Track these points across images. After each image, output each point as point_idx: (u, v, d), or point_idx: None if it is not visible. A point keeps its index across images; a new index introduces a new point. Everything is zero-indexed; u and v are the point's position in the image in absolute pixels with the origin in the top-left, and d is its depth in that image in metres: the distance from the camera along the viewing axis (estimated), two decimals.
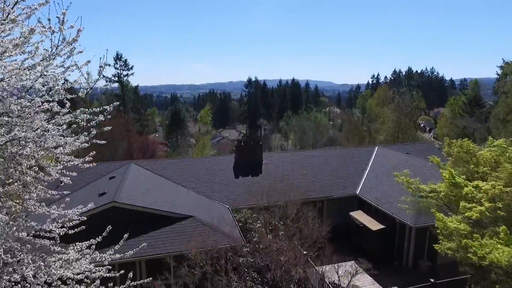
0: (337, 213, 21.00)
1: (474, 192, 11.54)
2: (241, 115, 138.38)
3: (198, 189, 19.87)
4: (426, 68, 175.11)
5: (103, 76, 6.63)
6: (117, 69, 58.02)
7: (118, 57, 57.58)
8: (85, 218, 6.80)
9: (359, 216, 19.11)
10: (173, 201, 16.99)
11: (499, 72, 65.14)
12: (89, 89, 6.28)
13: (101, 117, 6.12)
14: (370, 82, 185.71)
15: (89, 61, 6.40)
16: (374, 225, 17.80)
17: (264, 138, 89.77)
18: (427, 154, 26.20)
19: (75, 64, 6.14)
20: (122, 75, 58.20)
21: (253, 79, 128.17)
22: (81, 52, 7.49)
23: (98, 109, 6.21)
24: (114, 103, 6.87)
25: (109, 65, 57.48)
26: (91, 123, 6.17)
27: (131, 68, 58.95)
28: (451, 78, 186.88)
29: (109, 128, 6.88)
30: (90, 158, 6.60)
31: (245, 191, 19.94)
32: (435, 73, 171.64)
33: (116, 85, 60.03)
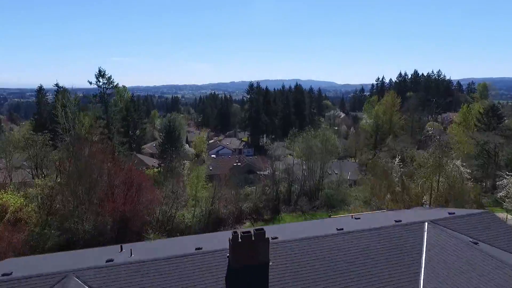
0: None
1: None
2: (243, 121, 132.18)
3: None
4: (432, 71, 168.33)
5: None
6: (100, 87, 51.01)
7: (100, 74, 50.58)
8: None
9: None
10: None
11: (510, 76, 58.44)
12: None
13: None
14: (375, 84, 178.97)
15: None
16: None
17: (266, 149, 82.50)
18: (494, 236, 19.07)
19: None
20: (105, 94, 51.18)
21: (255, 82, 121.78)
22: None
23: None
24: None
25: (91, 83, 50.70)
26: None
27: (116, 85, 52.00)
28: (458, 81, 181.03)
29: None
30: None
31: None
32: (442, 76, 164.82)
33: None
